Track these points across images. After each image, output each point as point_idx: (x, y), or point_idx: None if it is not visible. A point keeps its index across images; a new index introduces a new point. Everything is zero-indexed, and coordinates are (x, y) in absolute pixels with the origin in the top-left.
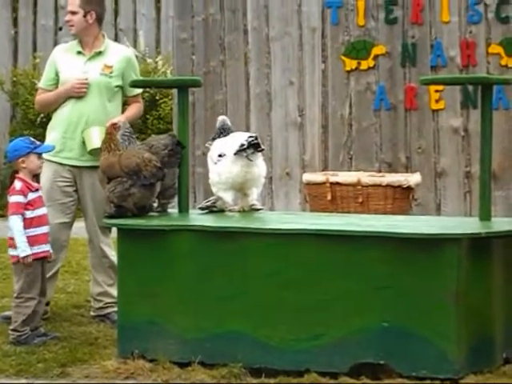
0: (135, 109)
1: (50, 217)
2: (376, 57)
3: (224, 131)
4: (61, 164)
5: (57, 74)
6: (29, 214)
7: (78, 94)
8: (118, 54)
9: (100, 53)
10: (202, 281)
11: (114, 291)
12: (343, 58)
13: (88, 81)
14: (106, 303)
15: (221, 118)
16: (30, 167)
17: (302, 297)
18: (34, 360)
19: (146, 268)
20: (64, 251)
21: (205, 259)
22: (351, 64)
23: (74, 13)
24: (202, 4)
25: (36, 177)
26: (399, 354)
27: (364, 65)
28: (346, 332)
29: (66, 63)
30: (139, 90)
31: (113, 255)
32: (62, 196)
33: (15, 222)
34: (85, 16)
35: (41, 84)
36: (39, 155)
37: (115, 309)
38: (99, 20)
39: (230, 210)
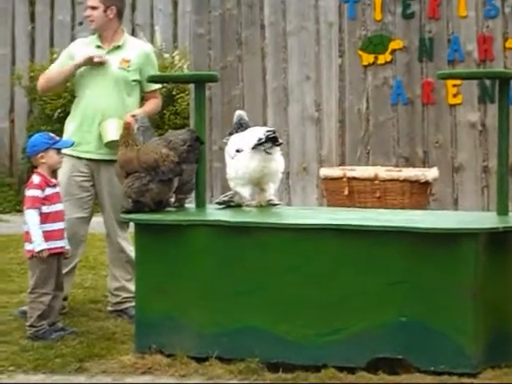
0: (153, 104)
1: (68, 212)
2: (393, 51)
3: (241, 126)
4: (78, 158)
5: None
6: (45, 209)
7: (96, 62)
8: (136, 48)
9: (119, 47)
10: (220, 276)
11: (131, 286)
12: (360, 52)
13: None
14: (124, 298)
15: (238, 112)
16: (49, 162)
17: (320, 292)
18: (51, 355)
19: (163, 263)
20: (82, 246)
21: (222, 254)
22: (368, 59)
23: (94, 8)
24: None
25: (54, 172)
26: (417, 348)
27: (381, 59)
28: (363, 327)
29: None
30: (157, 86)
31: (130, 250)
32: (79, 191)
33: (31, 216)
34: (105, 11)
35: (50, 68)
36: (58, 150)
37: (133, 304)
38: (119, 14)
39: (247, 205)
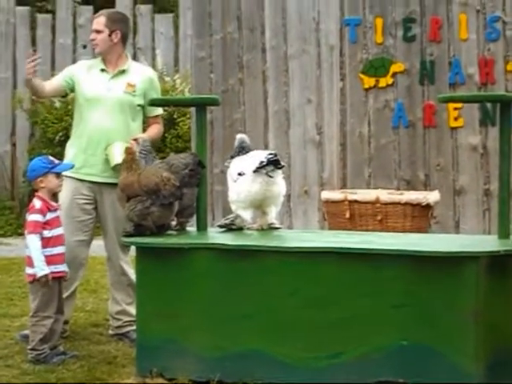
0: (155, 129)
1: (68, 234)
2: (394, 74)
3: (242, 149)
4: (81, 181)
5: (70, 82)
6: (46, 233)
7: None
8: (141, 73)
9: (123, 71)
10: (221, 299)
11: (132, 310)
12: (361, 75)
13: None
14: (125, 322)
15: (239, 136)
16: (49, 186)
17: (321, 315)
18: (52, 379)
19: (164, 286)
20: (82, 269)
21: (223, 277)
22: (369, 82)
23: (99, 31)
24: (220, 23)
25: (54, 195)
26: (418, 371)
27: (382, 82)
28: (364, 350)
29: (89, 80)
30: (160, 111)
31: (131, 273)
32: (81, 213)
33: (33, 241)
34: (110, 35)
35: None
36: (58, 174)
37: (134, 327)
38: (124, 39)
39: (248, 229)
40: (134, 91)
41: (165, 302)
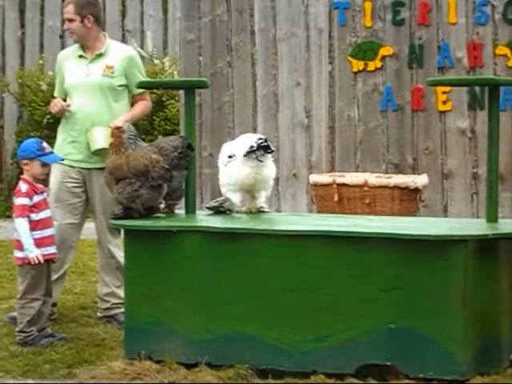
0: (141, 106)
1: (59, 217)
2: (383, 58)
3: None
4: (70, 165)
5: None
6: (34, 216)
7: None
8: (119, 53)
9: (101, 54)
10: (209, 282)
11: (121, 292)
12: (350, 59)
13: (70, 107)
14: (113, 304)
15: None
16: (32, 172)
17: (309, 298)
18: (40, 361)
19: (152, 269)
20: (72, 252)
21: (212, 260)
22: (358, 65)
23: (71, 20)
24: (209, 5)
25: (39, 180)
26: (406, 355)
27: (371, 66)
28: (352, 333)
29: (69, 69)
30: None
31: (121, 256)
32: (70, 197)
33: (21, 224)
34: (82, 21)
35: (56, 93)
36: (44, 163)
37: (122, 310)
38: (97, 21)
39: (237, 212)
40: (113, 72)
41: (153, 284)
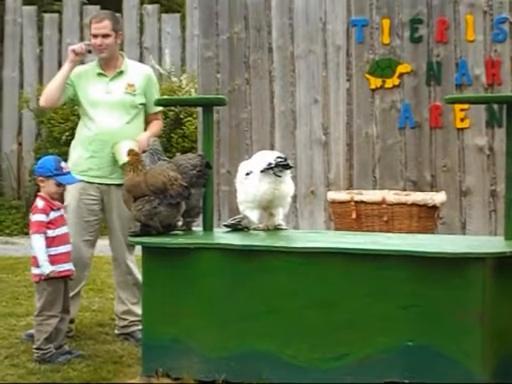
0: (157, 125)
1: (75, 234)
2: (401, 75)
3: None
4: (88, 182)
5: (73, 93)
6: (50, 233)
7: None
8: (138, 72)
9: (121, 72)
10: (227, 299)
11: (138, 309)
12: (368, 76)
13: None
14: (131, 321)
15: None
16: (46, 190)
17: (327, 316)
18: (58, 378)
19: (170, 286)
20: (88, 269)
21: (229, 277)
22: (376, 82)
23: (106, 36)
24: (227, 22)
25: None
26: (424, 373)
27: (389, 83)
28: (370, 351)
29: (88, 86)
30: (160, 108)
31: (137, 273)
32: (87, 214)
33: (37, 241)
34: (115, 37)
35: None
36: (59, 183)
37: (139, 327)
38: None
39: (254, 229)
40: (134, 90)
41: (170, 301)
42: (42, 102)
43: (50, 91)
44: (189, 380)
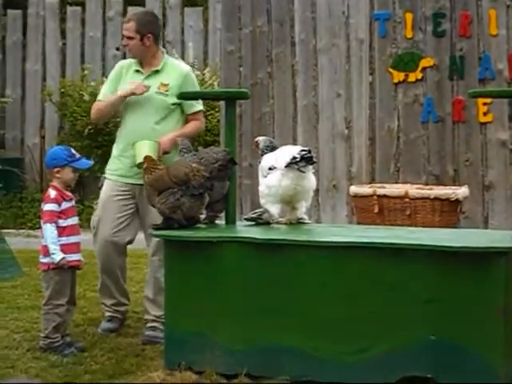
0: (193, 125)
1: (106, 230)
2: (424, 69)
3: (270, 149)
4: (118, 181)
5: (115, 86)
6: (61, 222)
7: (136, 92)
8: (175, 71)
9: (157, 71)
10: (249, 293)
11: (162, 303)
12: (391, 70)
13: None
14: (154, 315)
15: (262, 138)
16: (64, 179)
17: (350, 309)
18: (80, 371)
19: (192, 279)
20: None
21: (252, 271)
22: (399, 76)
23: (130, 38)
24: (249, 16)
25: (70, 187)
26: (446, 367)
27: (412, 77)
28: (393, 345)
29: (125, 82)
30: (199, 107)
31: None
32: (117, 210)
33: (48, 230)
34: (142, 40)
35: (101, 97)
36: (75, 169)
37: (162, 320)
38: (156, 40)
39: (276, 223)
40: (167, 90)
41: (193, 295)
42: (95, 119)
43: (106, 108)
44: (211, 373)
